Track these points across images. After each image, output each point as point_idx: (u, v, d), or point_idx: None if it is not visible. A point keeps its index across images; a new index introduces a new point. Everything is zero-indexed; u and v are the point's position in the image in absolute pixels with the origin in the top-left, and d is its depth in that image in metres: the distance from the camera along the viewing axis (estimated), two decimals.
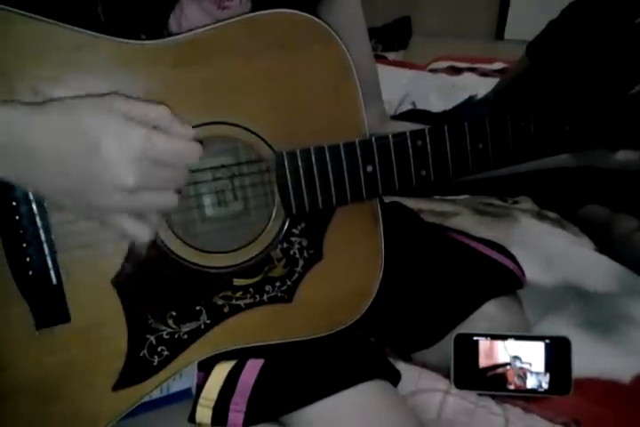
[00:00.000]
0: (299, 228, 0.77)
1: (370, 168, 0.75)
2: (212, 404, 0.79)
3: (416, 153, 0.76)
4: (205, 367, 0.81)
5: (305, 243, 0.78)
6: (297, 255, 0.78)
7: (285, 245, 0.77)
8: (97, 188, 0.58)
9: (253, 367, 0.80)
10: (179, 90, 0.70)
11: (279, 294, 0.78)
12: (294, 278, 0.78)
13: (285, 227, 0.77)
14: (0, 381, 0.69)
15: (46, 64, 0.65)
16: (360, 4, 0.93)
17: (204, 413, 0.79)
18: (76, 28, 0.66)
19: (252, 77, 0.72)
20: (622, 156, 0.86)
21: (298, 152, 0.73)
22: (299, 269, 0.78)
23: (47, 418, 0.72)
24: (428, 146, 0.76)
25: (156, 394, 0.79)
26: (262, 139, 0.73)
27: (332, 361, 0.81)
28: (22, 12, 0.64)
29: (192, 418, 0.80)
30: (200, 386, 0.81)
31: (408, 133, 0.75)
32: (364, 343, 0.88)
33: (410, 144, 0.76)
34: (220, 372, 0.80)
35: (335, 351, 0.82)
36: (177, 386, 0.83)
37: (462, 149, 0.78)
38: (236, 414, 0.78)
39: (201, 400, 0.80)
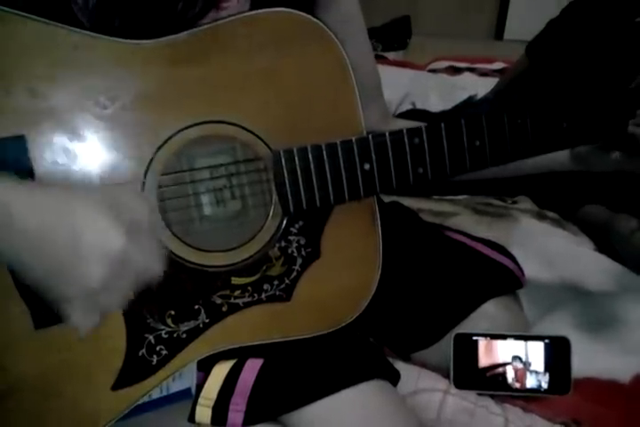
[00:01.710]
0: (296, 226, 0.77)
1: (367, 166, 0.75)
2: (212, 404, 0.79)
3: (413, 151, 0.76)
4: (205, 367, 0.81)
5: (303, 241, 0.78)
6: (295, 254, 0.78)
7: (283, 243, 0.77)
8: (61, 276, 0.58)
9: (253, 367, 0.80)
10: (176, 89, 0.70)
11: (277, 293, 0.78)
12: (292, 277, 0.78)
13: (283, 225, 0.77)
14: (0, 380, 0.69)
15: (43, 64, 0.65)
16: (358, 3, 0.93)
17: (204, 412, 0.79)
18: (73, 28, 0.66)
19: (250, 76, 0.72)
20: (616, 157, 0.86)
21: (295, 151, 0.73)
22: (297, 267, 0.78)
23: (46, 417, 0.72)
24: (425, 143, 0.76)
25: (155, 394, 0.79)
26: (259, 137, 0.73)
27: (332, 361, 0.81)
28: (18, 12, 0.64)
29: (191, 418, 0.80)
30: (199, 386, 0.81)
31: (405, 131, 0.75)
32: (364, 343, 0.88)
33: (407, 142, 0.76)
34: (220, 372, 0.80)
35: (334, 351, 0.82)
36: (176, 386, 0.83)
37: (459, 147, 0.78)
38: (236, 414, 0.78)
39: (200, 400, 0.80)
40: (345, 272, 0.80)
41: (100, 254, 0.57)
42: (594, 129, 0.83)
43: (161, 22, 0.70)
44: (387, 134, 0.75)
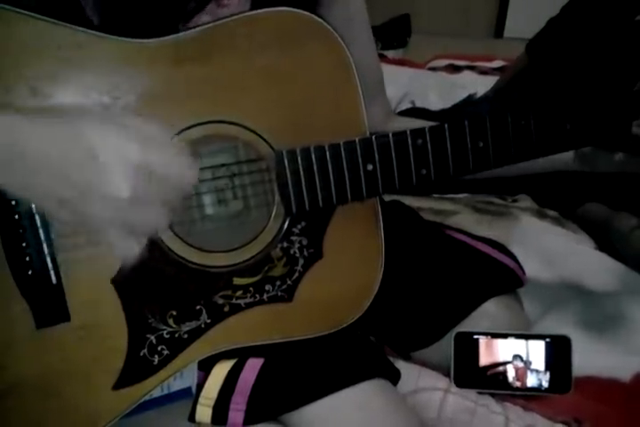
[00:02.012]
0: (299, 227, 0.77)
1: (370, 167, 0.75)
2: (212, 403, 0.79)
3: (416, 152, 0.76)
4: (205, 367, 0.81)
5: (305, 242, 0.78)
6: (297, 254, 0.78)
7: (285, 244, 0.77)
8: (92, 198, 0.57)
9: (253, 366, 0.80)
10: (178, 88, 0.70)
11: (279, 294, 0.78)
12: (294, 277, 0.78)
13: (285, 226, 0.77)
14: (0, 379, 0.69)
15: (45, 63, 0.65)
16: (363, 1, 0.93)
17: (204, 412, 0.79)
18: (76, 27, 0.66)
19: (252, 75, 0.72)
20: (620, 158, 0.86)
21: (298, 151, 0.73)
22: (299, 268, 0.78)
23: (47, 417, 0.72)
24: (429, 144, 0.76)
25: (156, 393, 0.79)
26: (262, 137, 0.73)
27: (332, 360, 0.81)
28: (21, 10, 0.63)
29: (192, 417, 0.80)
30: (200, 385, 0.81)
31: (408, 132, 0.75)
32: (364, 342, 0.88)
33: (410, 143, 0.75)
34: (220, 371, 0.80)
35: (335, 350, 0.82)
36: (177, 385, 0.83)
37: (463, 148, 0.77)
38: (236, 414, 0.78)
39: (201, 399, 0.80)
40: (347, 273, 0.80)
41: (121, 165, 0.56)
42: (597, 131, 0.83)
43: (160, 16, 0.70)
44: (390, 135, 0.75)
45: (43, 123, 0.58)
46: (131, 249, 0.61)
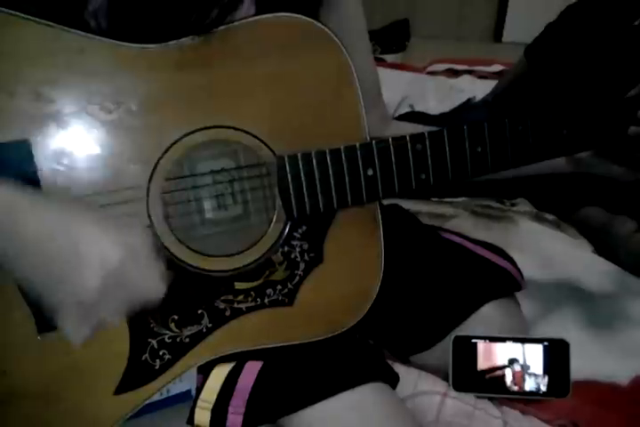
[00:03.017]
0: (299, 231, 0.77)
1: (370, 172, 0.76)
2: (211, 406, 0.79)
3: (416, 157, 0.76)
4: (204, 370, 0.81)
5: (306, 246, 0.78)
6: (298, 259, 0.78)
7: (286, 248, 0.77)
8: (61, 287, 0.59)
9: (252, 370, 0.80)
10: (180, 93, 0.70)
11: (280, 298, 0.78)
12: (295, 282, 0.78)
13: (286, 230, 0.77)
14: (1, 384, 0.69)
15: (48, 67, 0.65)
16: (361, 6, 0.93)
17: (203, 415, 0.79)
18: (78, 31, 0.66)
19: (254, 81, 0.72)
20: (617, 167, 0.87)
21: (299, 156, 0.73)
22: (299, 272, 0.78)
23: (49, 422, 0.72)
24: (428, 149, 0.77)
25: (155, 396, 0.79)
26: (263, 142, 0.74)
27: (331, 363, 0.81)
28: (23, 14, 0.64)
29: (191, 420, 0.80)
30: (199, 388, 0.81)
31: (408, 137, 0.76)
32: (363, 346, 0.88)
33: (410, 148, 0.76)
34: (219, 374, 0.80)
35: (334, 354, 0.82)
36: (177, 388, 0.83)
37: (461, 153, 0.78)
38: (235, 417, 0.78)
39: (199, 403, 0.80)
40: (347, 277, 0.81)
41: (97, 266, 0.59)
42: (594, 136, 0.84)
43: (174, 31, 0.70)
44: (390, 140, 0.75)
45: (43, 206, 0.60)
46: (80, 334, 0.62)
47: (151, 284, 0.63)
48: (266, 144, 0.74)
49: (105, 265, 0.59)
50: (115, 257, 0.59)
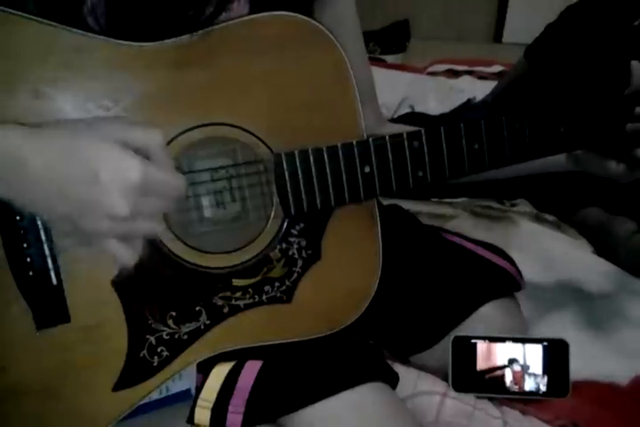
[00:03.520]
0: (297, 228, 0.78)
1: (367, 169, 0.76)
2: (211, 405, 0.79)
3: (413, 154, 0.77)
4: (204, 369, 0.81)
5: (304, 243, 0.78)
6: (296, 256, 0.78)
7: (284, 245, 0.77)
8: (91, 214, 0.60)
9: (252, 369, 0.80)
10: (178, 91, 0.70)
11: (278, 295, 0.78)
12: (293, 279, 0.78)
13: (284, 227, 0.77)
14: (1, 381, 0.69)
15: (46, 66, 0.66)
16: (354, 7, 0.92)
17: (203, 414, 0.79)
18: (76, 30, 0.66)
19: (251, 79, 0.73)
20: (614, 167, 0.87)
21: (296, 153, 0.73)
22: (297, 269, 0.78)
23: (47, 418, 0.72)
24: (425, 147, 0.77)
25: (155, 395, 0.79)
26: (261, 140, 0.74)
27: (331, 363, 0.82)
28: (22, 13, 0.64)
29: (191, 419, 0.80)
30: (199, 388, 0.81)
31: (405, 135, 0.76)
32: (363, 346, 0.88)
33: (407, 145, 0.76)
34: (219, 373, 0.81)
35: (333, 353, 0.82)
36: (176, 387, 0.83)
37: (458, 150, 0.78)
38: (235, 416, 0.78)
39: (199, 402, 0.80)
40: (345, 274, 0.81)
41: (122, 186, 0.59)
42: (591, 134, 0.84)
43: (171, 27, 0.70)
44: (387, 137, 0.76)
45: (47, 137, 0.60)
46: (128, 255, 0.64)
47: (175, 182, 0.63)
48: (263, 141, 0.74)
49: (128, 185, 0.59)
50: (135, 173, 0.59)
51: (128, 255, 0.64)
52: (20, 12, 0.64)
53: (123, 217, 0.59)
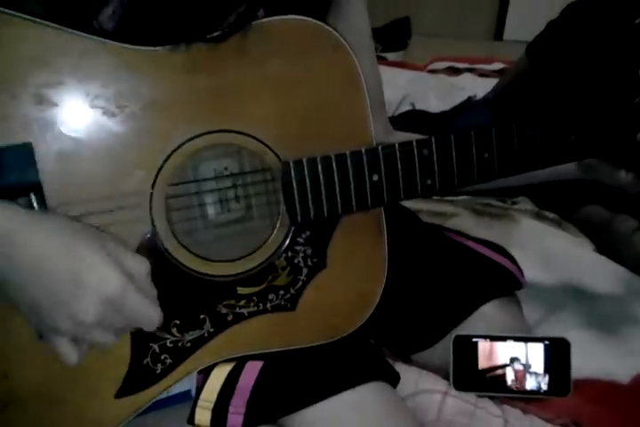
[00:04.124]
0: (303, 236, 0.77)
1: (376, 177, 0.75)
2: (212, 406, 0.79)
3: (422, 162, 0.76)
4: (204, 370, 0.81)
5: (309, 251, 0.77)
6: (301, 264, 0.77)
7: (290, 253, 0.77)
8: (58, 311, 0.60)
9: (252, 369, 0.80)
10: (186, 96, 0.69)
11: (282, 303, 0.78)
12: (298, 287, 0.78)
13: (290, 236, 0.76)
14: (3, 388, 0.69)
15: (50, 69, 0.64)
16: (366, 13, 0.92)
17: (204, 415, 0.79)
18: (82, 33, 0.65)
19: (261, 84, 0.72)
20: (623, 176, 0.87)
21: (305, 161, 0.72)
22: (302, 277, 0.78)
23: (50, 424, 0.72)
24: (434, 155, 0.76)
25: None
26: (269, 147, 0.73)
27: (331, 363, 0.82)
28: (26, 16, 0.63)
29: (191, 420, 0.80)
30: (199, 388, 0.81)
31: (414, 143, 0.75)
32: (363, 345, 0.88)
33: (416, 153, 0.75)
34: (219, 374, 0.80)
35: (334, 353, 0.82)
36: (177, 388, 0.83)
37: (468, 159, 0.78)
38: (236, 417, 0.78)
39: (200, 402, 0.80)
40: (350, 282, 0.80)
41: (98, 295, 0.60)
42: (602, 142, 0.84)
43: (188, 36, 0.69)
44: (396, 146, 0.75)
45: (43, 232, 0.60)
46: (74, 357, 0.64)
47: (148, 311, 0.64)
48: (271, 149, 0.73)
49: (104, 296, 0.60)
50: (115, 287, 0.60)
51: (73, 357, 0.64)
52: (25, 15, 0.63)
53: (87, 324, 0.61)
